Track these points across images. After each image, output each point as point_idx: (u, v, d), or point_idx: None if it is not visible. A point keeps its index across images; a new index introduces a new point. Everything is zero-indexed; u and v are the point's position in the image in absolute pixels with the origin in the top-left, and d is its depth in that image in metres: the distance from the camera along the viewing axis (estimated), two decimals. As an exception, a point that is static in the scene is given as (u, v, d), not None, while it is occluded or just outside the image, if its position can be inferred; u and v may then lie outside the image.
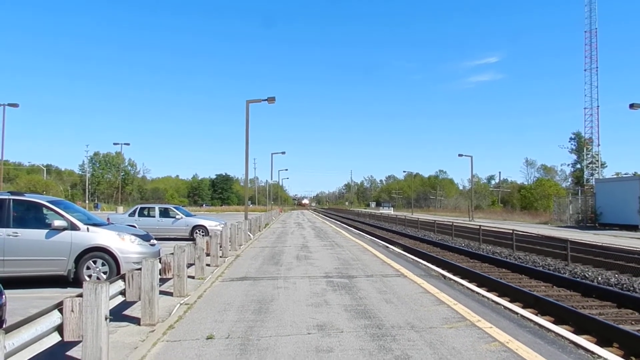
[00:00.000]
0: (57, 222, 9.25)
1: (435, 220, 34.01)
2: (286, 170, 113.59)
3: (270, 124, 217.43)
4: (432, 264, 13.36)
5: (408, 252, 16.91)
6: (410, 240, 26.91)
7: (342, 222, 44.39)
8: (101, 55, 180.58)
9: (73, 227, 9.40)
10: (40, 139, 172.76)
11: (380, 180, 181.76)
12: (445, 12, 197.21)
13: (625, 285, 11.81)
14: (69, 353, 5.11)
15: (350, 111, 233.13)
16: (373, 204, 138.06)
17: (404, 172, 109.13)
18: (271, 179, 69.52)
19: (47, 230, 9.26)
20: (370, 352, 4.97)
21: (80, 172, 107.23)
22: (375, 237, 24.82)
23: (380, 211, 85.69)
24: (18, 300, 7.96)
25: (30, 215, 9.69)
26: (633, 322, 8.39)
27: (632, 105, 28.45)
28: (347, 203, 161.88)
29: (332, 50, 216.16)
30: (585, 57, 49.14)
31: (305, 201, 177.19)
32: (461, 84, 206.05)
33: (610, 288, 11.23)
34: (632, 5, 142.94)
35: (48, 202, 9.84)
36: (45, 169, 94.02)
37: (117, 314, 6.61)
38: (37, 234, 9.23)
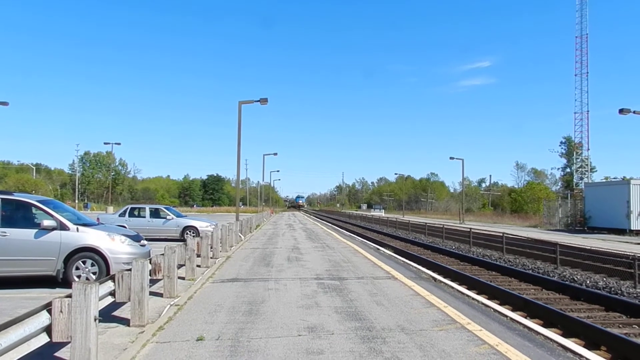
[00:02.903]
0: (47, 222, 9.15)
1: (426, 223, 34.12)
2: (278, 171, 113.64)
3: (263, 125, 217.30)
4: (423, 267, 13.40)
5: (399, 255, 16.96)
6: (401, 242, 26.99)
7: (333, 224, 44.38)
8: (92, 54, 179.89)
9: (62, 227, 9.30)
10: (30, 137, 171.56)
11: (372, 183, 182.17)
12: (441, 16, 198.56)
13: (613, 289, 11.94)
14: (57, 354, 5.07)
15: (343, 113, 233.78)
16: (364, 206, 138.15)
17: (396, 174, 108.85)
18: (263, 180, 69.58)
19: (36, 230, 9.15)
20: (361, 354, 4.98)
21: (70, 172, 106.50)
22: (366, 239, 24.85)
23: (372, 213, 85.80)
24: (6, 301, 7.90)
25: (19, 215, 9.56)
26: (621, 325, 8.49)
27: (621, 111, 28.74)
28: (338, 205, 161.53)
29: (327, 53, 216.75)
30: (575, 63, 49.69)
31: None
32: (454, 87, 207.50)
33: (599, 291, 11.35)
34: (622, 13, 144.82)
35: (37, 201, 9.74)
36: (34, 168, 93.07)
37: (107, 315, 6.56)
38: (25, 234, 9.13)
